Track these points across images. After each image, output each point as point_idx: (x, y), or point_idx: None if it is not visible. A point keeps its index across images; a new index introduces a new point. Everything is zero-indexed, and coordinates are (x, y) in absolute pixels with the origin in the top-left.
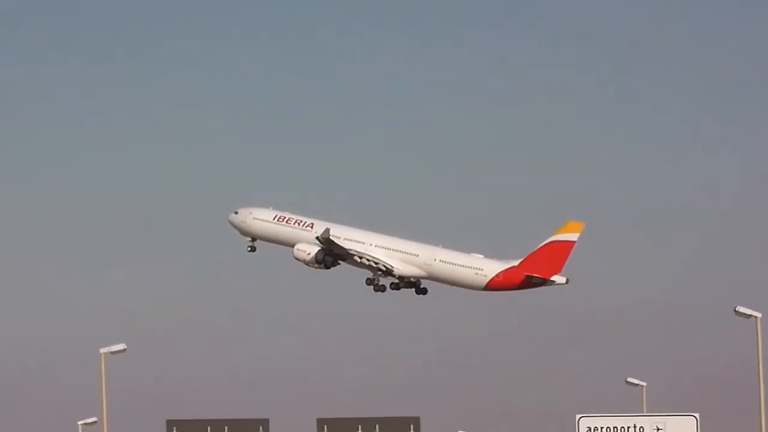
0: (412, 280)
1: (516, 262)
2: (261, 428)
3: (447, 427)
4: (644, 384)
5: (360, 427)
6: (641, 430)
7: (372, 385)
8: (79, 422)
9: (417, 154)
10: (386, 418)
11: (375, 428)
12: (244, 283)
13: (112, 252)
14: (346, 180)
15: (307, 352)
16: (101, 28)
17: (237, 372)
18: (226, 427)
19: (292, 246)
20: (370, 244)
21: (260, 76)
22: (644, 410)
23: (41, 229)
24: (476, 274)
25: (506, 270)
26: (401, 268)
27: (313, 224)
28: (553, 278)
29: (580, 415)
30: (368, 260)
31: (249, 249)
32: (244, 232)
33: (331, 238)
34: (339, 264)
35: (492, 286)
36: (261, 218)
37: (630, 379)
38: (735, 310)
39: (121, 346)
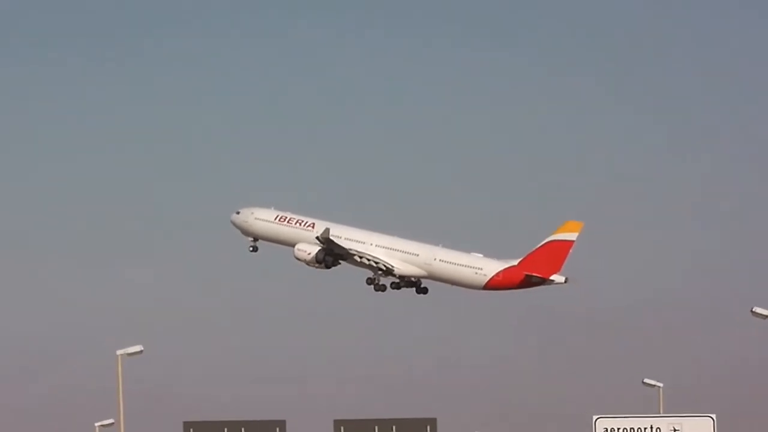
0: (413, 279)
1: (515, 262)
2: (278, 429)
3: (464, 428)
4: (661, 385)
5: (377, 428)
6: (658, 430)
7: (387, 385)
8: (96, 424)
9: (417, 154)
10: (403, 419)
11: (392, 429)
12: (252, 283)
13: (113, 253)
14: (346, 180)
15: (319, 353)
16: (101, 28)
17: (253, 373)
18: (242, 429)
19: (294, 246)
20: (371, 244)
21: (260, 76)
22: (660, 411)
23: (42, 230)
24: (476, 273)
25: (506, 269)
26: (401, 267)
27: (314, 224)
28: (552, 277)
29: (597, 416)
30: (368, 260)
31: (251, 249)
32: (245, 232)
33: (331, 237)
34: (339, 264)
35: (491, 285)
36: (262, 218)
37: (647, 380)
38: (752, 311)
39: (137, 348)
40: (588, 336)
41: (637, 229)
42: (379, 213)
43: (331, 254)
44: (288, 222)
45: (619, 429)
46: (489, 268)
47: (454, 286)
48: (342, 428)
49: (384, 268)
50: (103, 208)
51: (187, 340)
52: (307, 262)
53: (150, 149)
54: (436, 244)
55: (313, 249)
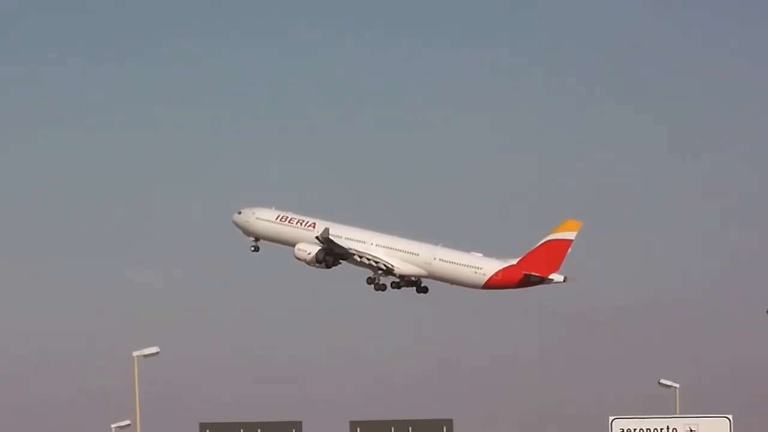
0: (413, 279)
1: (515, 261)
2: (294, 431)
3: (480, 429)
4: (677, 385)
5: (393, 429)
6: (674, 431)
7: (393, 385)
8: (113, 425)
9: (417, 154)
10: (419, 420)
11: (408, 430)
12: (256, 283)
13: (113, 253)
14: (346, 180)
15: (331, 353)
16: (101, 28)
17: (269, 374)
18: (259, 430)
19: (294, 246)
20: (371, 244)
21: (260, 76)
22: (677, 411)
23: (43, 230)
24: (475, 272)
25: (505, 269)
26: (402, 267)
27: (314, 224)
28: (551, 276)
29: (613, 417)
30: (368, 259)
31: (252, 249)
32: (247, 232)
33: (330, 237)
34: (340, 263)
35: (491, 284)
36: (264, 218)
37: (663, 381)
38: None
39: (154, 349)
40: (594, 336)
41: (637, 228)
42: (379, 213)
43: (331, 254)
44: (289, 222)
45: (635, 430)
46: (488, 267)
47: (454, 286)
48: (358, 429)
49: (384, 268)
50: (103, 208)
51: (198, 341)
52: (308, 262)
53: (150, 149)
54: (436, 243)
55: (313, 249)
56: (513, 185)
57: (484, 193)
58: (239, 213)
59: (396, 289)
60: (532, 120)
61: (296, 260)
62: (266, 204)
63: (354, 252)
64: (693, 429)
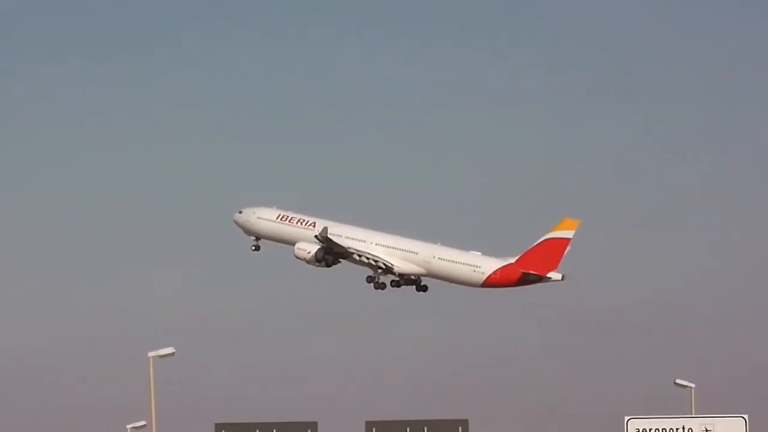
0: (412, 277)
1: (513, 260)
2: (309, 431)
3: (496, 429)
4: (693, 385)
5: (408, 429)
6: (690, 431)
7: (416, 386)
8: (129, 426)
9: (417, 154)
10: (435, 420)
11: (423, 431)
12: (263, 283)
13: (114, 253)
14: (346, 180)
15: (346, 353)
16: (101, 28)
17: (284, 374)
18: (274, 430)
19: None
20: (371, 243)
21: (260, 76)
22: (693, 412)
23: (45, 230)
24: (474, 271)
25: (503, 267)
26: (401, 265)
27: (315, 223)
28: (549, 275)
29: (629, 417)
30: (368, 258)
31: (253, 248)
32: (248, 231)
33: (329, 236)
34: (340, 262)
35: (489, 283)
36: (264, 217)
37: (679, 381)
38: None
39: (169, 350)
40: (597, 335)
41: (637, 228)
42: (379, 212)
43: (331, 253)
44: (289, 221)
45: (650, 430)
46: (487, 266)
47: (453, 284)
48: (374, 429)
49: (384, 267)
50: (103, 208)
51: (210, 342)
52: (307, 261)
53: (150, 149)
54: (435, 242)
55: (313, 248)
56: (512, 185)
57: (483, 193)
58: (240, 212)
59: (395, 288)
60: (532, 120)
61: (296, 259)
62: (267, 204)
63: (353, 251)
64: (708, 429)
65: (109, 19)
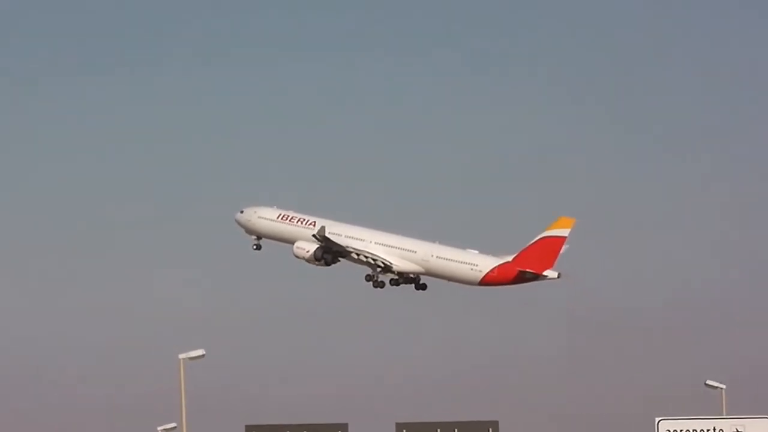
0: (411, 276)
1: (510, 258)
2: None
3: (526, 430)
4: (723, 386)
5: (439, 431)
6: None
7: (446, 388)
8: (159, 428)
9: (417, 154)
10: (465, 422)
11: None
12: (266, 283)
13: (114, 253)
14: (346, 179)
15: (373, 354)
16: (101, 28)
17: (315, 375)
18: None
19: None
20: (370, 242)
21: (260, 76)
22: (723, 413)
23: (47, 231)
24: (471, 269)
25: (500, 265)
26: (400, 264)
27: (315, 222)
28: (545, 273)
29: (660, 418)
30: (366, 257)
31: (254, 247)
32: (249, 231)
33: (327, 235)
34: (339, 261)
35: (487, 281)
36: (265, 217)
37: (709, 382)
38: None
39: (200, 352)
40: (602, 335)
41: (637, 228)
42: (378, 211)
43: (330, 252)
44: (290, 220)
45: (681, 431)
46: (484, 264)
47: (451, 282)
48: (404, 431)
49: (382, 265)
50: (103, 208)
51: (234, 342)
52: (306, 260)
53: (150, 149)
54: (434, 241)
55: (312, 247)
56: (512, 184)
57: (482, 192)
58: (241, 212)
59: (395, 286)
60: (532, 120)
61: (295, 258)
62: (268, 203)
63: (351, 250)
64: (740, 430)
65: (109, 19)
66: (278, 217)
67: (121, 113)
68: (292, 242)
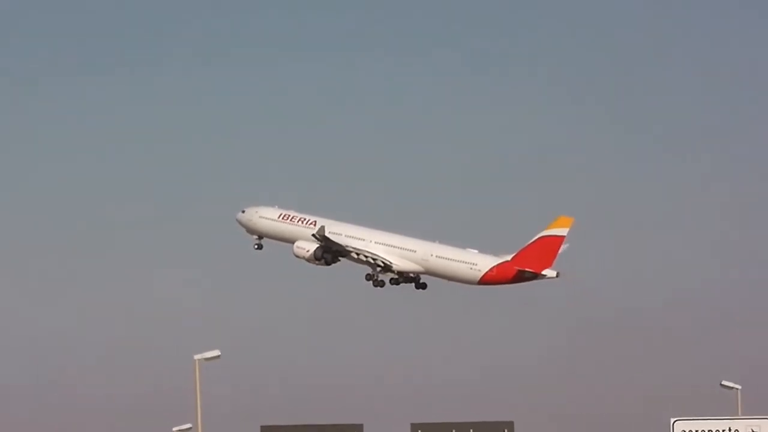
0: (411, 275)
1: (509, 257)
2: None
3: (541, 430)
4: (739, 387)
5: (454, 431)
6: None
7: (461, 388)
8: (174, 428)
9: (417, 154)
10: (481, 422)
11: None
12: (269, 283)
13: (114, 254)
14: (346, 179)
15: (374, 354)
16: (101, 28)
17: (330, 376)
18: None
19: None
20: (370, 241)
21: (260, 76)
22: (739, 413)
23: (50, 231)
24: (471, 268)
25: (499, 265)
26: (400, 263)
27: (315, 222)
28: (544, 272)
29: (675, 419)
30: (366, 256)
31: (256, 247)
32: (250, 230)
33: (327, 234)
34: (339, 260)
35: (486, 280)
36: (266, 217)
37: (725, 383)
38: None
39: (215, 353)
40: (604, 335)
41: (637, 228)
42: (379, 211)
43: (329, 251)
44: (291, 220)
45: (696, 431)
46: (483, 263)
47: (451, 282)
48: (419, 431)
49: (382, 265)
50: (103, 208)
51: (234, 342)
52: (306, 259)
53: (150, 149)
54: (433, 240)
55: (312, 246)
56: (511, 184)
57: (482, 192)
58: (243, 212)
59: (395, 285)
60: (532, 120)
61: (296, 258)
62: (269, 203)
63: (351, 249)
64: (755, 430)
65: (109, 19)
66: (279, 217)
67: (121, 113)
68: (293, 242)
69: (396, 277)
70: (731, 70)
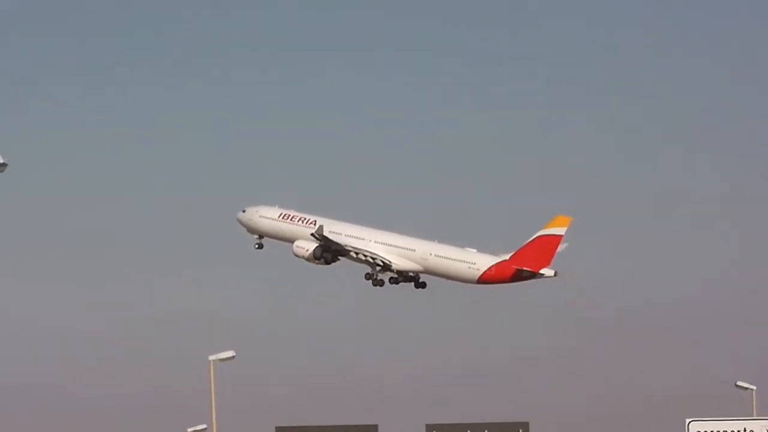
0: (410, 274)
1: (507, 256)
2: None
3: (557, 430)
4: (754, 387)
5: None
6: None
7: (449, 388)
8: (189, 429)
9: (417, 154)
10: (496, 423)
11: None
12: (270, 284)
13: (115, 254)
14: (345, 179)
15: (374, 354)
16: (101, 28)
17: (344, 377)
18: None
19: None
20: (370, 240)
21: (260, 76)
22: (754, 414)
23: (53, 231)
24: (469, 268)
25: (497, 264)
26: (399, 263)
27: (315, 221)
28: (542, 271)
29: (690, 419)
30: (365, 256)
31: (256, 246)
32: (251, 230)
33: (326, 234)
34: (339, 260)
35: (484, 279)
36: (267, 216)
37: (740, 383)
38: None
39: (230, 353)
40: (605, 335)
41: (636, 228)
42: (378, 211)
43: (329, 250)
44: (291, 220)
45: None
46: (482, 262)
47: (450, 281)
48: None
49: (382, 264)
50: (103, 208)
51: (233, 343)
52: (306, 259)
53: (150, 149)
54: (432, 240)
55: (311, 246)
56: (511, 183)
57: (481, 192)
58: (243, 211)
59: (394, 285)
60: (532, 120)
61: (295, 257)
62: (270, 203)
63: (350, 248)
64: None
65: (109, 19)
66: (280, 217)
67: (121, 113)
68: (293, 241)
69: (395, 276)
70: (731, 70)
